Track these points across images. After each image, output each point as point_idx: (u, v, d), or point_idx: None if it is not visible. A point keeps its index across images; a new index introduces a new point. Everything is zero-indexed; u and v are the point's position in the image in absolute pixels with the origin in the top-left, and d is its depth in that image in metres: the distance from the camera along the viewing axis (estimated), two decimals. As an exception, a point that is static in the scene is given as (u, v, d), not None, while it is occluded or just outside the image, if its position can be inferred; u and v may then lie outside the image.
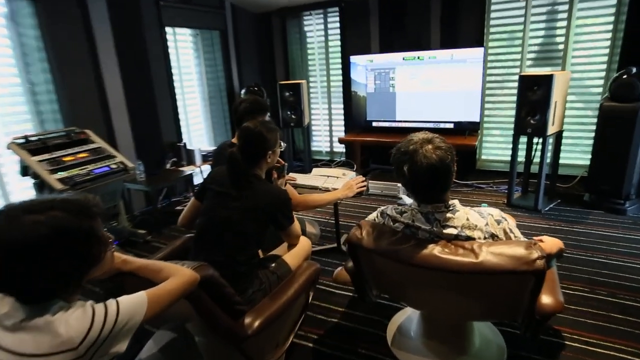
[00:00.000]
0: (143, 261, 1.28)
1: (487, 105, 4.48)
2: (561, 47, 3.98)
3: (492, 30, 4.26)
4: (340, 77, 5.16)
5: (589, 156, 3.51)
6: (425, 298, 1.65)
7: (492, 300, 1.48)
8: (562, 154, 3.74)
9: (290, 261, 1.85)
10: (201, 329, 1.51)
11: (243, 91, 4.84)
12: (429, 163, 1.37)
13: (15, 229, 0.91)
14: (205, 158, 4.25)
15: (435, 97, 4.32)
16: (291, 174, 2.82)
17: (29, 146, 2.85)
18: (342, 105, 5.28)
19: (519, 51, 4.17)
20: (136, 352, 1.47)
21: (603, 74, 3.87)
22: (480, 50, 4.01)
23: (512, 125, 3.45)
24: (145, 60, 3.93)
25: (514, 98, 3.57)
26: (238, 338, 1.47)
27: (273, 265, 1.81)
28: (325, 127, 5.62)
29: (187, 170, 3.98)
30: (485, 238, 1.42)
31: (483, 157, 4.69)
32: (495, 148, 4.62)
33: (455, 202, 1.48)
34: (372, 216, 1.67)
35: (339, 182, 2.66)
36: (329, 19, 5.08)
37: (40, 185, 2.81)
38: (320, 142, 5.74)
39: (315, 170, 2.94)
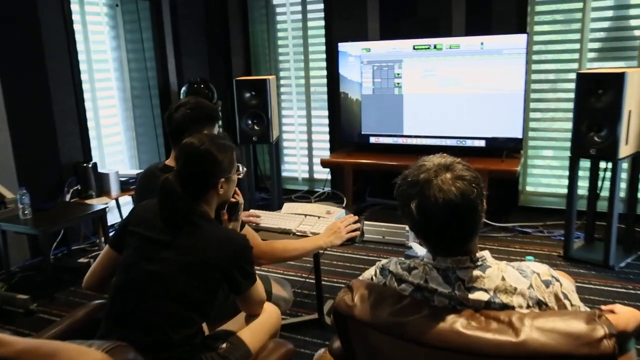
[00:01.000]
0: (28, 342, 1.26)
1: (533, 115, 4.58)
2: (637, 33, 4.12)
3: (538, 9, 4.40)
4: (325, 73, 5.24)
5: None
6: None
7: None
8: (641, 186, 3.82)
9: (249, 340, 1.84)
10: None
11: (183, 90, 4.87)
12: (446, 199, 1.39)
13: None
14: (126, 186, 4.23)
15: (459, 103, 4.40)
16: (253, 211, 2.83)
17: None
18: (326, 113, 5.33)
19: (578, 39, 4.31)
20: None
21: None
22: (523, 37, 4.12)
23: (569, 144, 3.55)
24: (38, 43, 3.94)
25: (571, 105, 3.69)
26: None
27: (224, 346, 1.80)
28: (303, 144, 5.65)
29: (98, 203, 3.94)
30: (528, 306, 1.45)
31: (528, 188, 4.78)
32: (546, 176, 4.71)
33: (486, 254, 1.51)
34: (369, 274, 1.69)
35: (322, 223, 2.67)
36: (309, -10, 5.20)
37: None
38: (295, 165, 5.76)
39: (287, 206, 2.96)
